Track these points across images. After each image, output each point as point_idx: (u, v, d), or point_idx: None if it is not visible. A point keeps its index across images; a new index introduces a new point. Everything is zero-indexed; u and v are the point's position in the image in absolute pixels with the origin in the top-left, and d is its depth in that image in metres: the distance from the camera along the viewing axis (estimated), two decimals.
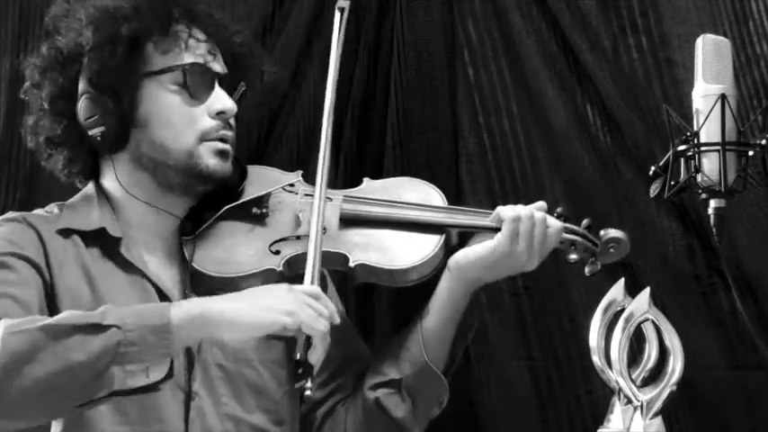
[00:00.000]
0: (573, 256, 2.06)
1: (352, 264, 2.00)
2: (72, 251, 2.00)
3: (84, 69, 2.02)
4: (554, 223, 2.04)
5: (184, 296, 2.01)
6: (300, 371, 1.83)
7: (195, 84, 2.02)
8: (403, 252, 2.02)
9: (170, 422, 1.95)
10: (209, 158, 2.02)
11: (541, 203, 2.05)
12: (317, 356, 1.84)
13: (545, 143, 2.72)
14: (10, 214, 2.04)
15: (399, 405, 2.06)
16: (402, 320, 2.66)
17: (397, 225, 2.05)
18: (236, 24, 2.16)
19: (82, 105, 2.02)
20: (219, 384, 2.00)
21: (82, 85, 2.02)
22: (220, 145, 2.03)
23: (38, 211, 2.06)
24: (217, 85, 2.04)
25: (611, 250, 2.07)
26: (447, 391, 2.08)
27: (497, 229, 2.02)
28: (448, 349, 2.07)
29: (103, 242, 2.02)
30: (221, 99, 2.04)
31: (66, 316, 1.81)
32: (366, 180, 2.14)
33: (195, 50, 2.03)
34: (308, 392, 1.83)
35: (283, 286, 1.90)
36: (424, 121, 2.78)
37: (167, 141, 2.01)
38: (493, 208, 2.03)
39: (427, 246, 2.02)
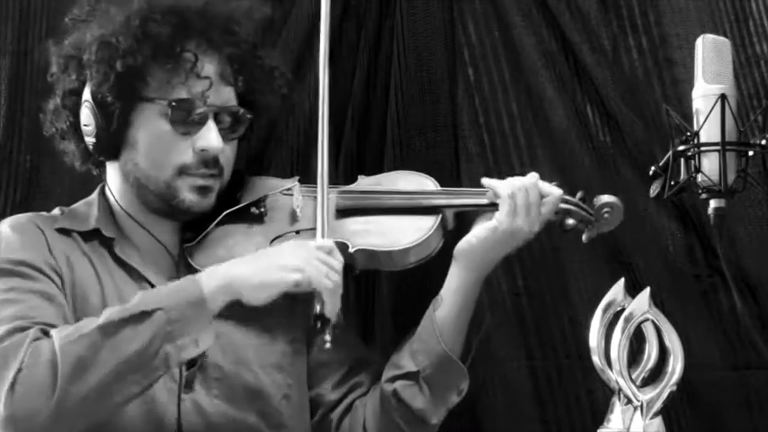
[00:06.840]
0: (570, 222, 2.10)
1: (351, 250, 2.03)
2: (76, 247, 2.04)
3: (89, 78, 2.02)
4: (550, 190, 2.08)
5: None
6: (318, 325, 1.89)
7: (181, 119, 2.01)
8: (400, 234, 2.06)
9: (162, 414, 1.97)
10: (186, 193, 2.03)
11: (533, 174, 2.10)
12: (330, 309, 1.89)
13: (545, 143, 2.71)
14: (16, 218, 2.05)
15: (417, 395, 2.07)
16: (403, 327, 2.67)
17: (392, 211, 2.10)
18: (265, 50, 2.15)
19: (82, 112, 2.04)
20: (214, 384, 2.02)
21: (86, 93, 2.03)
22: (200, 181, 2.04)
23: (42, 214, 2.10)
24: (210, 121, 2.02)
25: (606, 215, 2.12)
26: (466, 378, 2.09)
27: (493, 205, 2.05)
28: (463, 338, 2.08)
29: (100, 242, 2.05)
30: (207, 137, 2.02)
31: (110, 313, 1.86)
32: (360, 177, 2.18)
33: (192, 86, 2.01)
34: (327, 345, 1.90)
35: (296, 243, 1.96)
36: (424, 121, 2.77)
37: (147, 168, 2.03)
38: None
39: (424, 227, 2.07)
